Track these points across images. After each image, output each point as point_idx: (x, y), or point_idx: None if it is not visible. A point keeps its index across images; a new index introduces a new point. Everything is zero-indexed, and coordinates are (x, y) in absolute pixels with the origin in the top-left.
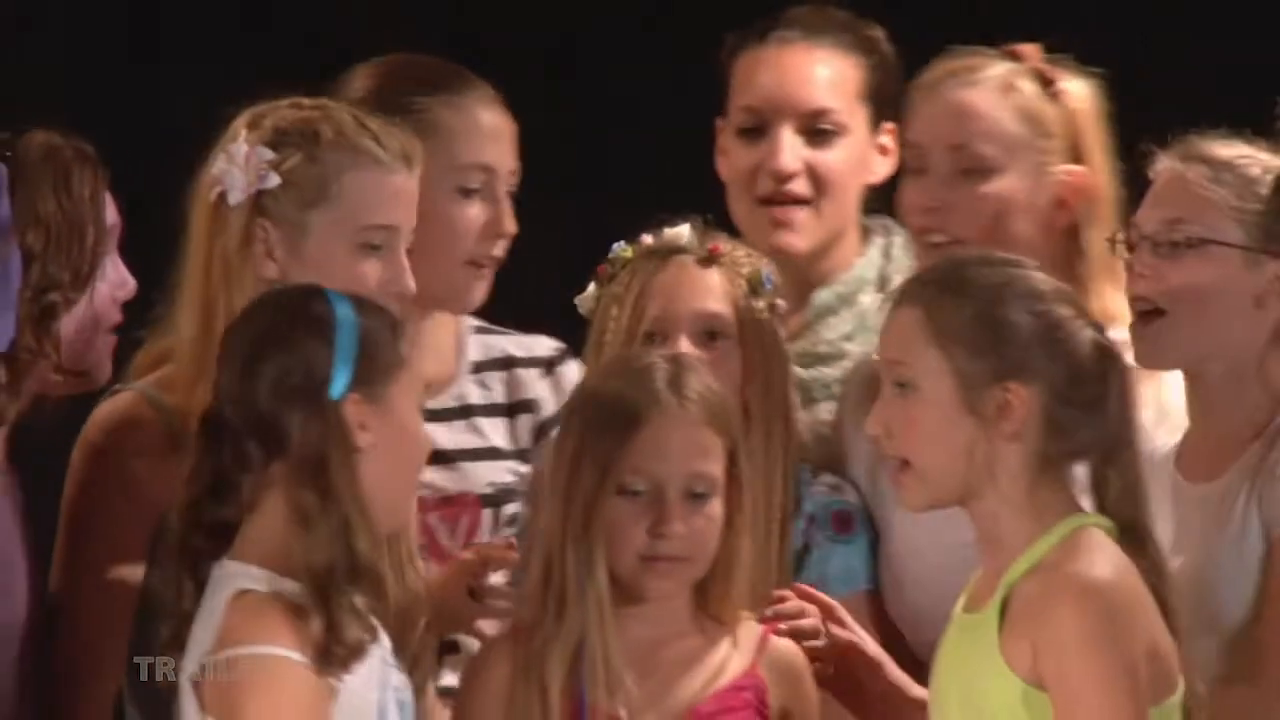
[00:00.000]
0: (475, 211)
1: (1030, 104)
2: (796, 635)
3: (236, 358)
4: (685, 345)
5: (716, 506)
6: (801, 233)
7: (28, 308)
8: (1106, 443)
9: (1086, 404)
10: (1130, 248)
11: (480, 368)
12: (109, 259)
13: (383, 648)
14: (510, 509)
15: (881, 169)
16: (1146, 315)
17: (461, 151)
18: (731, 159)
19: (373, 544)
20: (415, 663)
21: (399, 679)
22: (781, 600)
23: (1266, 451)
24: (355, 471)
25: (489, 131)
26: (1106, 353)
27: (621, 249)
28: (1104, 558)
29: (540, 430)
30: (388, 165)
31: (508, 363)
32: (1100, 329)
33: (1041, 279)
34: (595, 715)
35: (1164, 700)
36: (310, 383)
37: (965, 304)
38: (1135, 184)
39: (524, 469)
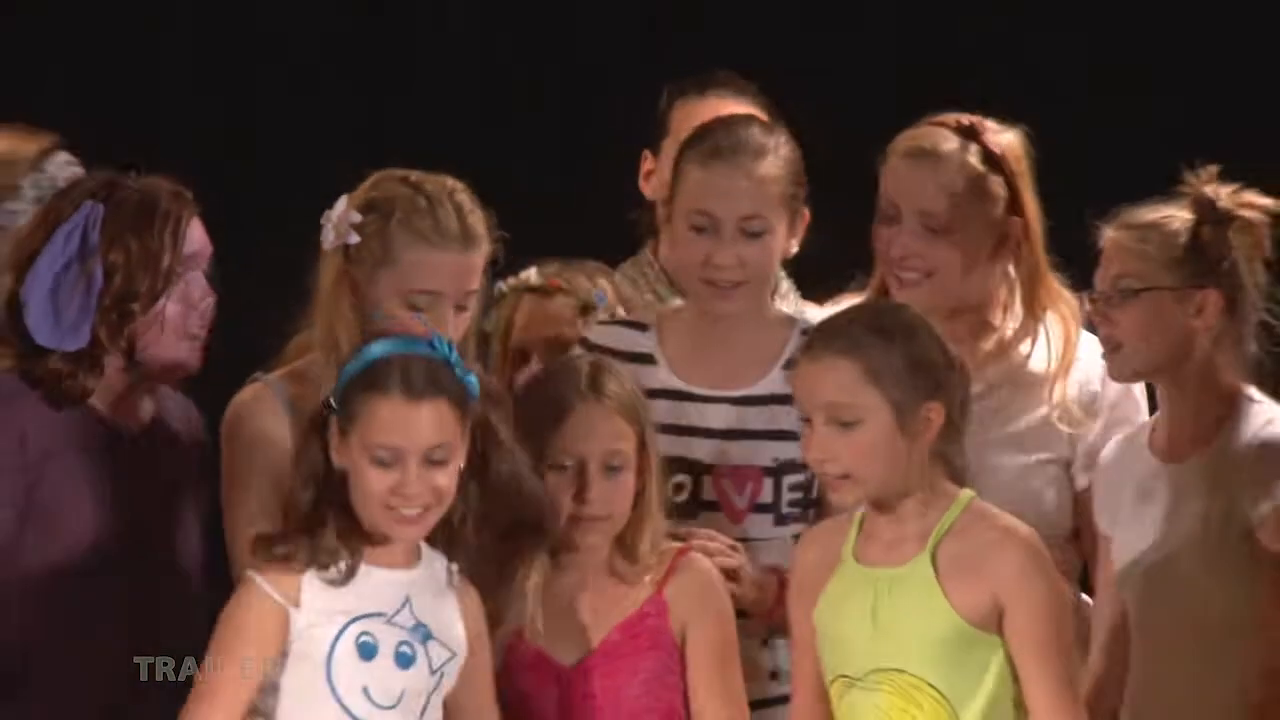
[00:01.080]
0: (697, 244)
1: (979, 177)
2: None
3: None
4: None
5: (628, 477)
6: None
7: (104, 313)
8: (964, 433)
9: (963, 405)
10: (1094, 303)
11: (793, 364)
12: (191, 278)
13: (375, 605)
14: (790, 479)
15: None
16: (1112, 350)
17: (689, 198)
18: (664, 183)
19: (342, 524)
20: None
21: (388, 632)
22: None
23: (1229, 440)
24: (323, 469)
25: (714, 184)
26: (960, 362)
27: (499, 288)
28: (1010, 517)
29: None
30: (439, 245)
31: None
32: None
33: (918, 314)
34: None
35: None
36: (330, 396)
37: (886, 348)
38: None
39: None
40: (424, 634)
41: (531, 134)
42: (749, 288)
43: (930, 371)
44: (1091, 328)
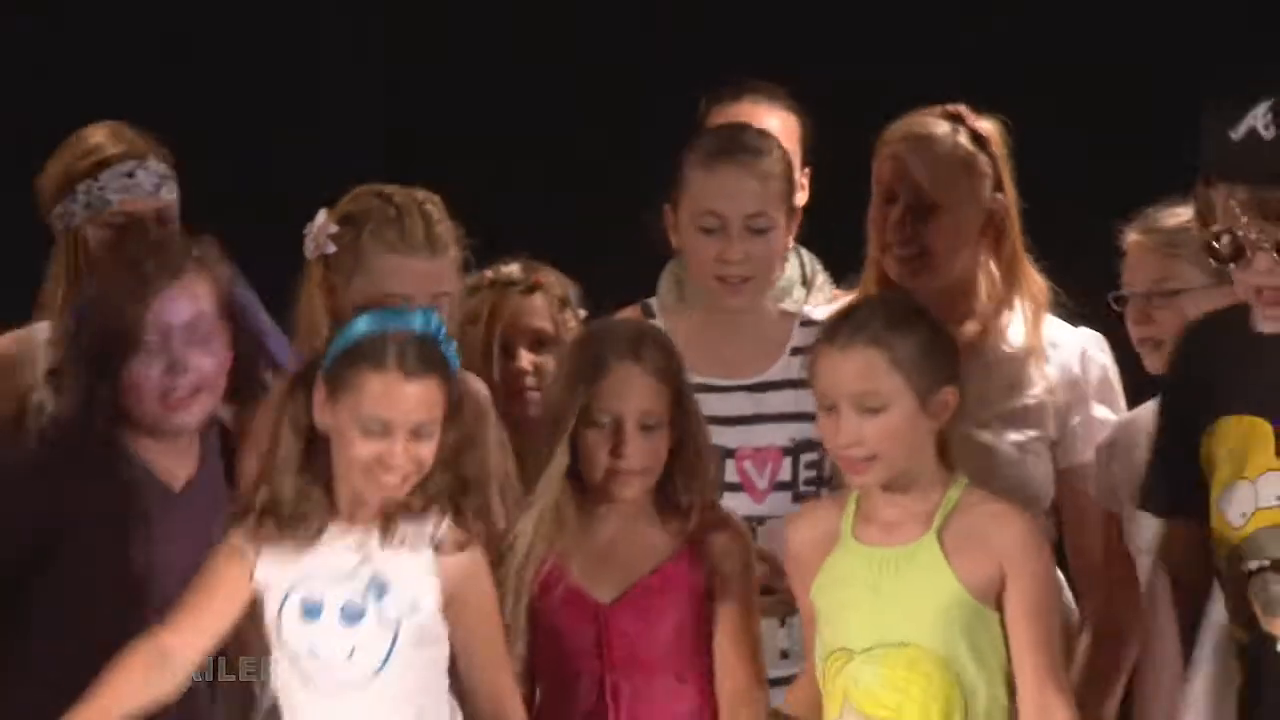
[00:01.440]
0: (707, 244)
1: (970, 156)
2: None
3: None
4: (525, 357)
5: (663, 435)
6: None
7: (90, 371)
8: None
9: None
10: (1123, 303)
11: (800, 351)
12: (177, 344)
13: (323, 565)
14: (806, 458)
15: (801, 199)
16: (1152, 348)
17: (696, 200)
18: None
19: (299, 486)
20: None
21: (335, 590)
22: None
23: None
24: (297, 427)
25: (719, 186)
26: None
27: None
28: (1004, 497)
29: None
30: (406, 252)
31: None
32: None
33: (924, 305)
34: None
35: None
36: (322, 359)
37: (907, 336)
38: None
39: None
40: (379, 587)
41: (570, 139)
42: (756, 282)
43: (945, 356)
44: (1069, 318)
